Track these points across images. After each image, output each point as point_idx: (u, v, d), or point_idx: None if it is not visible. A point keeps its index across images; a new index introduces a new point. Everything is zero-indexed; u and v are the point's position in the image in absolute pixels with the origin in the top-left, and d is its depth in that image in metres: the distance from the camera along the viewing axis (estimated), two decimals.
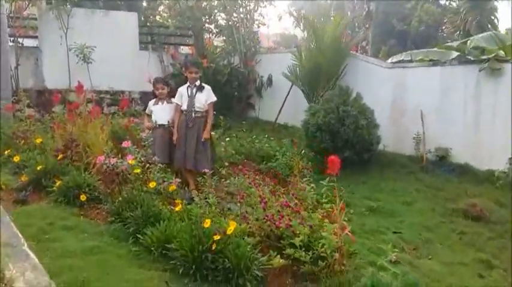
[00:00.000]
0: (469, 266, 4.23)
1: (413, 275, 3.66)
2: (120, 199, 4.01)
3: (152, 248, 3.43)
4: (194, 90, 5.02)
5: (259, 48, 10.48)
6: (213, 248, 3.09)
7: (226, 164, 6.30)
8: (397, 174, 6.82)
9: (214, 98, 5.10)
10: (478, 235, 4.80)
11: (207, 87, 5.09)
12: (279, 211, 3.83)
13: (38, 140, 4.83)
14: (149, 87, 10.68)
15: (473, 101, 6.96)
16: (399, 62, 8.51)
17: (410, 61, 8.24)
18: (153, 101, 5.36)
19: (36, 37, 9.80)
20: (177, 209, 3.41)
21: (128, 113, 7.73)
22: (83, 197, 4.03)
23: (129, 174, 4.20)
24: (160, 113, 5.23)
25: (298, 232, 3.59)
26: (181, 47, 12.47)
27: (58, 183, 4.21)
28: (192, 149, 4.96)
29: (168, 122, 5.23)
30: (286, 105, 9.48)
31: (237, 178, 5.47)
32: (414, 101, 7.65)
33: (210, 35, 11.35)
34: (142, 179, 4.12)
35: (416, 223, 5.03)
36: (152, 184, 3.86)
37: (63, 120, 6.32)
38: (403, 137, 7.72)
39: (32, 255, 3.12)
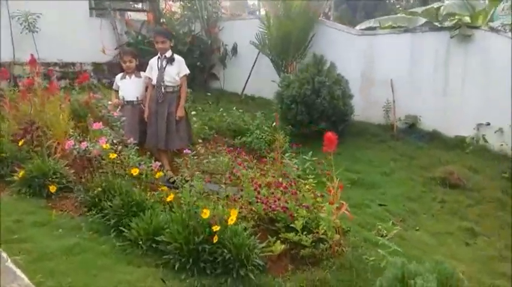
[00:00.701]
0: (454, 235, 4.30)
1: (408, 251, 3.65)
2: (95, 187, 3.62)
3: (140, 242, 3.13)
4: (164, 62, 4.58)
5: (221, 14, 9.92)
6: (214, 240, 2.84)
7: (200, 140, 6.01)
8: (370, 143, 6.81)
9: (186, 71, 4.68)
10: (459, 203, 4.89)
11: (179, 59, 4.65)
12: (272, 193, 3.62)
13: None
14: (102, 58, 10.04)
15: (443, 68, 7.00)
16: (368, 29, 8.35)
17: (379, 28, 8.11)
18: (120, 75, 4.87)
19: None
20: (168, 199, 3.08)
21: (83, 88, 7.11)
22: (52, 188, 3.60)
23: (103, 159, 3.79)
24: (129, 88, 4.77)
25: (295, 215, 3.42)
26: (134, 13, 11.60)
27: (21, 173, 3.73)
28: (163, 127, 4.57)
29: (137, 98, 4.79)
30: (252, 75, 9.15)
31: (215, 156, 5.24)
32: (384, 69, 7.59)
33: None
34: (118, 164, 3.73)
35: (399, 194, 5.03)
36: (134, 171, 3.49)
37: (13, 98, 5.67)
38: (372, 106, 7.68)
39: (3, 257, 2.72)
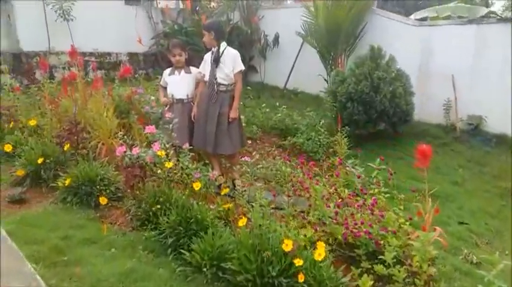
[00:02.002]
0: None
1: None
2: (148, 200, 3.21)
3: (203, 268, 2.71)
4: (216, 57, 4.11)
5: (261, 2, 9.37)
6: (300, 280, 2.38)
7: (249, 141, 5.57)
8: (432, 147, 6.14)
9: (241, 67, 4.15)
10: None
11: (233, 53, 4.11)
12: (352, 214, 3.14)
13: (32, 123, 3.90)
14: (138, 48, 9.68)
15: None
16: (423, 19, 7.66)
17: (437, 18, 7.42)
18: (168, 70, 4.42)
19: None
20: (240, 223, 2.62)
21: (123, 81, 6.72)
22: (102, 200, 3.20)
23: (155, 166, 3.39)
24: (178, 85, 4.31)
25: (381, 242, 2.94)
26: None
27: (67, 180, 3.35)
28: (212, 129, 4.10)
29: (187, 96, 4.34)
30: (294, 68, 8.60)
31: (269, 161, 4.78)
32: (444, 64, 6.93)
33: None
34: (174, 173, 3.31)
35: (476, 209, 4.47)
36: (196, 185, 3.06)
37: (52, 92, 5.34)
38: (431, 104, 7.05)
39: None
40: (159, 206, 3.05)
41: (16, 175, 3.82)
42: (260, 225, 2.69)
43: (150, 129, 3.36)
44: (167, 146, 3.49)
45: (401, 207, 3.66)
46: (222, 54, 4.07)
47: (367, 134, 5.78)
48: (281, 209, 3.48)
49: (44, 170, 3.78)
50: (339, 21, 6.92)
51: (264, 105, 7.14)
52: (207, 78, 4.10)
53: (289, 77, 8.47)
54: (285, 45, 8.91)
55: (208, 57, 4.17)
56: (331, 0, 7.10)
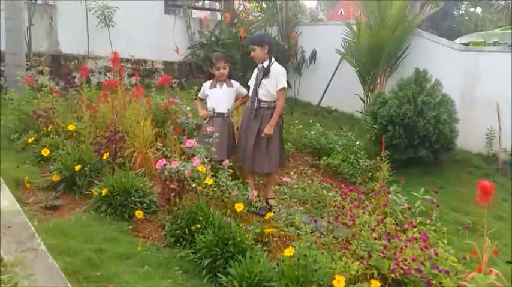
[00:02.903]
0: None
1: None
2: (184, 216, 3.09)
3: None
4: (261, 73, 3.99)
5: (301, 18, 9.28)
6: None
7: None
8: (474, 177, 5.89)
9: (284, 84, 4.02)
10: None
11: (278, 70, 4.00)
12: (401, 248, 2.93)
13: (71, 127, 3.85)
14: (173, 57, 9.72)
15: None
16: (467, 44, 7.41)
17: (481, 44, 7.15)
18: (208, 83, 4.32)
19: None
20: (287, 253, 2.44)
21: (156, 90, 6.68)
22: (139, 213, 3.09)
23: (193, 181, 3.26)
24: (220, 98, 4.21)
25: (433, 281, 2.71)
26: (209, 12, 11.23)
27: (104, 190, 3.26)
28: (251, 146, 3.99)
29: (228, 110, 4.24)
30: (329, 86, 8.44)
31: (303, 180, 4.61)
32: (488, 91, 6.63)
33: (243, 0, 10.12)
34: (214, 191, 3.18)
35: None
36: (239, 207, 2.91)
37: (90, 97, 5.33)
38: (471, 132, 6.72)
39: None
40: (198, 225, 2.90)
41: (51, 179, 3.77)
42: (305, 255, 2.51)
43: (190, 143, 3.24)
44: (205, 160, 3.37)
45: (445, 241, 3.44)
46: (267, 70, 3.96)
47: (407, 159, 5.53)
48: (321, 235, 3.30)
49: (78, 176, 3.72)
50: (382, 42, 6.74)
51: (296, 121, 6.99)
52: (250, 94, 4.00)
53: (324, 94, 8.30)
54: (321, 62, 8.77)
55: (255, 72, 4.06)
56: (375, 20, 6.93)
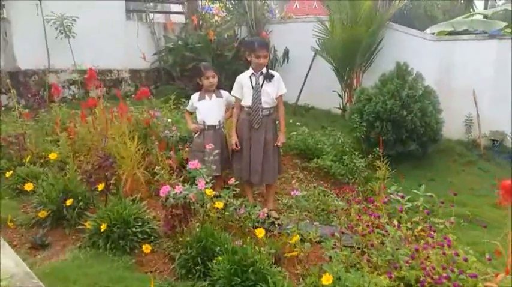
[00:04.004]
0: None
1: None
2: (193, 244, 2.86)
3: None
4: (261, 79, 3.79)
5: (271, 16, 9.11)
6: None
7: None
8: (460, 165, 6.00)
9: (285, 90, 3.90)
10: None
11: (277, 76, 3.84)
12: (427, 256, 2.83)
13: (52, 156, 3.50)
14: (140, 65, 9.31)
15: None
16: (440, 33, 7.51)
17: (454, 32, 7.27)
18: (197, 95, 4.06)
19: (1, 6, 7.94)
20: (325, 281, 2.27)
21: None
22: (146, 248, 2.82)
23: (201, 205, 3.03)
24: (210, 110, 3.97)
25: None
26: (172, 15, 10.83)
27: (103, 226, 2.96)
28: (259, 159, 3.79)
29: (219, 122, 4.01)
30: (305, 83, 8.35)
31: (304, 187, 4.47)
32: (464, 79, 6.76)
33: (206, 1, 9.83)
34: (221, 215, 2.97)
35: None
36: (260, 232, 2.70)
37: (62, 118, 4.96)
38: (450, 120, 6.82)
39: None
40: (203, 248, 2.67)
41: (36, 215, 3.42)
42: (339, 278, 2.36)
43: (193, 165, 3.00)
44: (208, 180, 3.15)
45: (454, 237, 3.41)
46: (269, 76, 3.79)
47: (396, 155, 5.51)
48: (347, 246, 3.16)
49: (66, 208, 3.39)
50: (357, 37, 6.70)
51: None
52: (248, 103, 3.77)
53: (300, 92, 8.20)
54: (295, 60, 8.65)
55: (245, 79, 3.83)
56: (347, 15, 6.88)
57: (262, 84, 3.76)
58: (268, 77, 3.77)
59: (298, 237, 2.87)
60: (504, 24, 7.07)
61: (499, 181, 4.06)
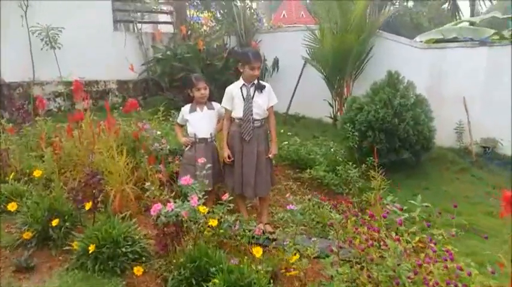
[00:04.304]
0: None
1: None
2: (186, 264, 2.73)
3: None
4: (252, 90, 3.70)
5: (260, 26, 9.07)
6: None
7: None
8: (452, 173, 5.97)
9: (276, 100, 3.82)
10: None
11: (268, 86, 3.76)
12: (430, 271, 2.74)
13: (37, 174, 3.36)
14: (127, 75, 9.18)
15: None
16: (429, 41, 7.54)
17: (443, 40, 7.30)
18: (188, 107, 3.95)
19: None
20: None
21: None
22: (138, 271, 2.69)
23: (194, 223, 2.92)
24: (202, 123, 3.86)
25: None
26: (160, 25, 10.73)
27: (92, 247, 2.82)
28: (251, 171, 3.69)
29: (211, 134, 3.91)
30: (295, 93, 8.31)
31: (298, 199, 4.37)
32: (454, 86, 6.78)
33: (194, 11, 9.76)
34: (218, 232, 2.85)
35: None
36: (257, 251, 2.59)
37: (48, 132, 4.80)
38: (441, 127, 6.82)
39: None
40: (197, 268, 2.54)
41: (19, 236, 3.26)
42: None
43: (186, 180, 2.89)
44: (200, 196, 3.03)
45: (449, 247, 3.33)
46: (260, 86, 3.71)
47: (389, 164, 5.45)
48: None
49: (52, 228, 3.24)
50: (348, 46, 6.67)
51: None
52: (239, 114, 3.67)
53: (291, 101, 8.14)
54: (284, 70, 8.62)
55: (235, 90, 3.73)
56: (337, 24, 6.86)
57: (253, 95, 3.68)
58: (260, 88, 3.69)
59: (297, 256, 2.74)
60: (493, 31, 7.11)
61: (498, 191, 3.99)
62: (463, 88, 6.66)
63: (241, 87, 3.70)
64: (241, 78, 3.74)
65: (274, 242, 3.42)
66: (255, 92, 3.68)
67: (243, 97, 3.68)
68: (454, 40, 7.11)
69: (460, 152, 6.64)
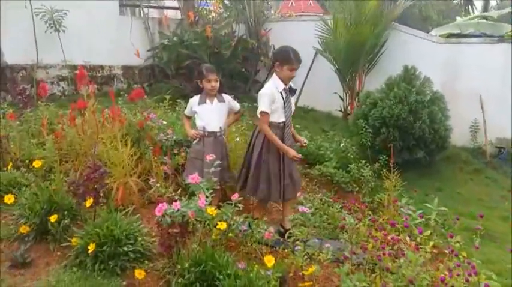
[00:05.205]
0: None
1: None
2: (190, 268, 2.57)
3: None
4: (288, 93, 3.46)
5: (270, 14, 8.79)
6: None
7: None
8: (466, 174, 5.78)
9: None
10: None
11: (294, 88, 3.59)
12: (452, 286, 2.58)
13: (37, 164, 3.18)
14: (133, 61, 8.96)
15: None
16: (447, 35, 7.28)
17: (459, 35, 7.04)
18: (196, 98, 3.73)
19: None
20: None
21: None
22: (139, 274, 2.52)
23: (200, 222, 2.75)
24: (212, 116, 3.65)
25: None
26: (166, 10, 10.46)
27: (91, 246, 2.66)
28: (292, 174, 3.53)
29: (221, 128, 3.71)
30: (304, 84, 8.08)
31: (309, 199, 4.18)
32: (470, 84, 6.54)
33: None
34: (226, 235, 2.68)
35: None
36: (269, 260, 2.41)
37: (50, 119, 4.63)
38: (455, 125, 6.59)
39: None
40: (203, 272, 2.37)
41: (16, 229, 3.10)
42: None
43: (194, 178, 2.71)
44: (208, 195, 2.86)
45: (465, 254, 3.15)
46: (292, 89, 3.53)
47: (402, 162, 5.26)
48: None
49: (51, 222, 3.08)
50: (362, 38, 6.43)
51: None
52: (281, 119, 3.40)
53: (300, 93, 7.91)
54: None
55: (275, 93, 3.39)
56: (351, 15, 6.60)
57: (290, 98, 3.49)
58: (292, 91, 3.50)
59: (313, 269, 2.57)
60: (511, 27, 6.85)
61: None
62: (479, 86, 6.43)
63: (282, 91, 3.42)
64: (274, 78, 3.44)
65: (283, 244, 3.26)
66: (289, 95, 3.47)
67: (284, 101, 3.42)
68: (472, 35, 6.85)
69: (473, 151, 6.44)
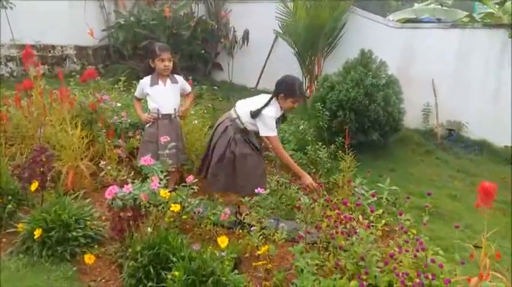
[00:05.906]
0: None
1: None
2: (144, 251, 2.52)
3: None
4: (280, 119, 3.58)
5: None
6: None
7: None
8: (418, 155, 5.98)
9: None
10: None
11: None
12: (400, 261, 2.67)
13: None
14: (87, 41, 8.59)
15: (495, 70, 6.22)
16: (401, 20, 7.43)
17: (415, 20, 7.21)
18: (148, 79, 3.59)
19: None
20: None
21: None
22: (89, 259, 2.43)
23: (154, 206, 2.70)
24: (165, 97, 3.56)
25: None
26: None
27: (38, 231, 2.55)
28: None
29: (175, 110, 3.63)
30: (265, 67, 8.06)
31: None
32: (424, 68, 6.74)
33: None
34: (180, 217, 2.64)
35: (484, 229, 4.21)
36: (223, 241, 2.39)
37: None
38: (408, 108, 6.78)
39: None
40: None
41: None
42: None
43: (146, 160, 2.65)
44: (162, 177, 2.80)
45: (414, 231, 3.29)
46: None
47: (357, 144, 5.37)
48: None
49: None
50: (320, 22, 6.45)
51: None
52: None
53: (260, 76, 7.91)
54: (255, 43, 8.31)
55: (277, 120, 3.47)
56: (312, 0, 6.59)
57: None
58: (284, 118, 3.72)
59: (266, 247, 2.59)
60: (465, 13, 7.08)
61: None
62: (432, 70, 6.63)
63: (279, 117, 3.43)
64: (275, 104, 3.41)
65: (239, 225, 3.27)
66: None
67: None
68: (427, 21, 7.04)
69: (425, 134, 6.67)
